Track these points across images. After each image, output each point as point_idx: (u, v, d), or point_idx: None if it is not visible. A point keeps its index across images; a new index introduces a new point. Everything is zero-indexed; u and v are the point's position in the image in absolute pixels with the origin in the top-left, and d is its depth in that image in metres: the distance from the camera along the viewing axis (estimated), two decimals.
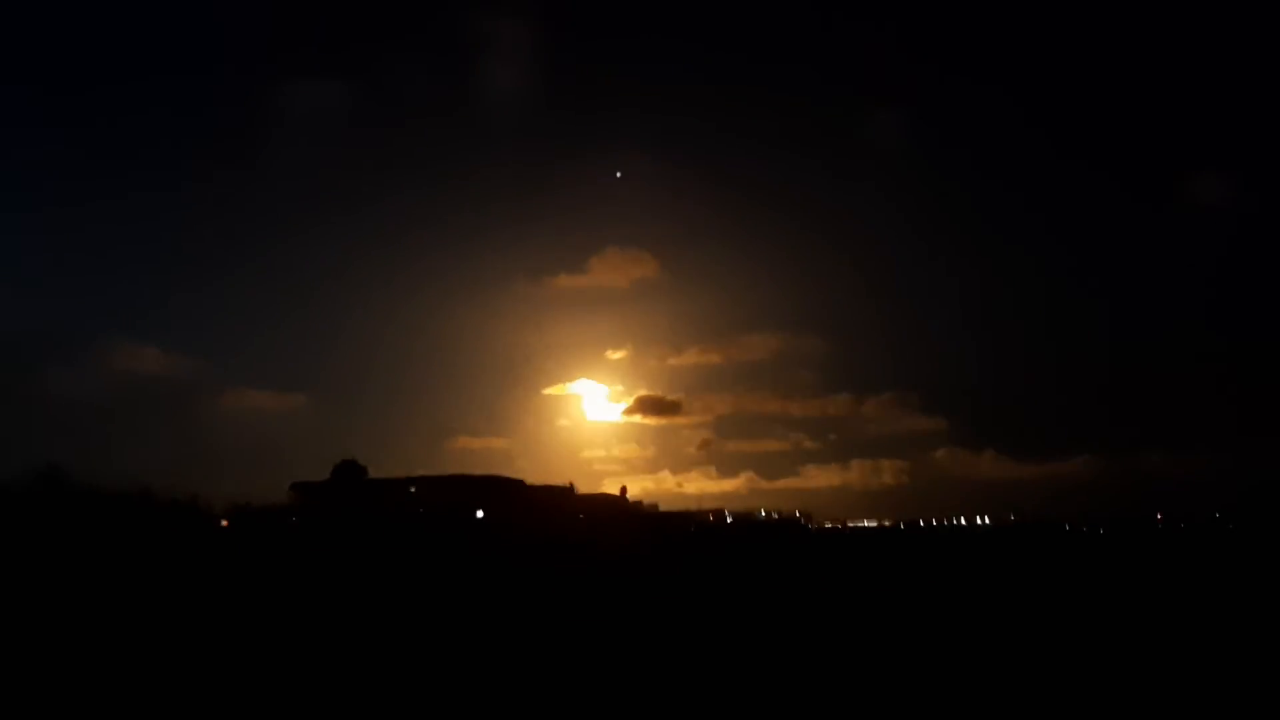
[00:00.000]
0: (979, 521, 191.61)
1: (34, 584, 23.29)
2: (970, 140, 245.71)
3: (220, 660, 14.56)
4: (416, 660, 15.00)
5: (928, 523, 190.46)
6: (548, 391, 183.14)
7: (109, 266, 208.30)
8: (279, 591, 29.60)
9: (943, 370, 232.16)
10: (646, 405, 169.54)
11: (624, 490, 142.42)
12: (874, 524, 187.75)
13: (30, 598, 21.50)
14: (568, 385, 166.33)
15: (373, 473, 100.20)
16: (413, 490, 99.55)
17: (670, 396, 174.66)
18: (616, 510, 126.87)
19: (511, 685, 13.42)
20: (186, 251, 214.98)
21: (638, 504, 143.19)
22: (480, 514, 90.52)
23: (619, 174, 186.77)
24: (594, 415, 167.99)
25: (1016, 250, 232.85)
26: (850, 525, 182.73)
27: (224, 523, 69.57)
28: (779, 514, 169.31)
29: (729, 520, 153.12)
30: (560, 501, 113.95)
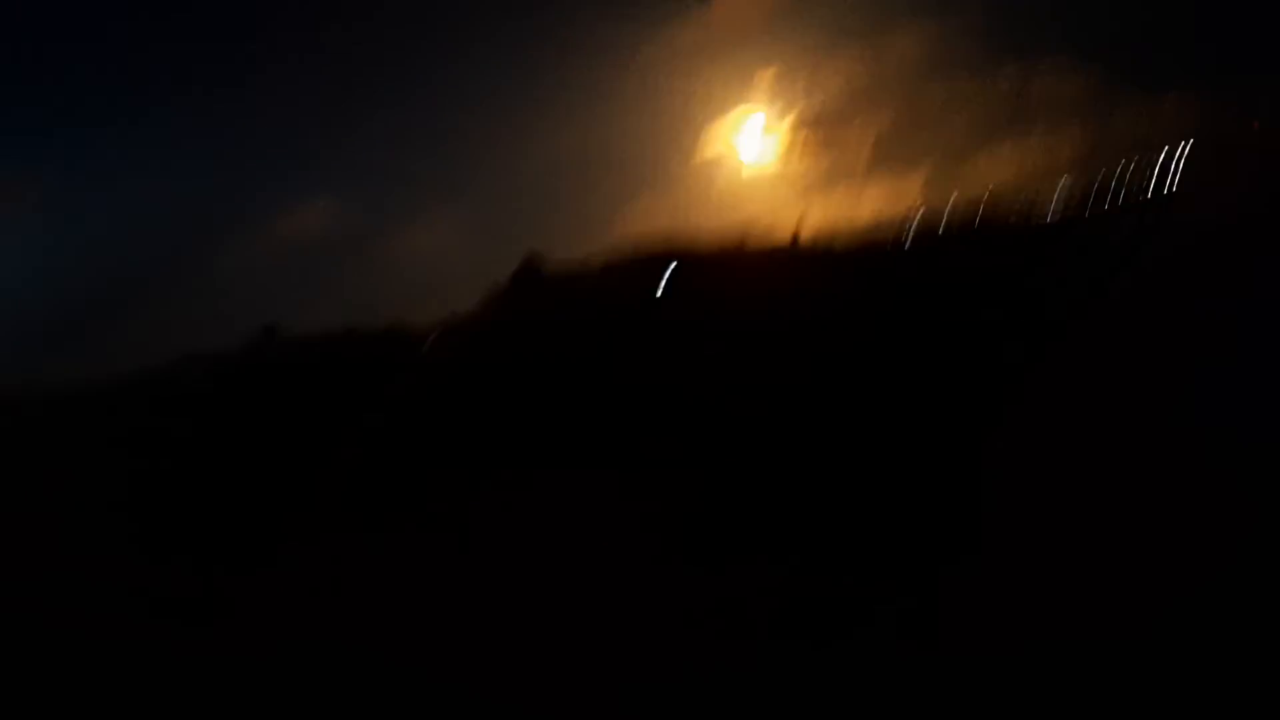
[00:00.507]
0: None
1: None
2: None
3: None
4: None
5: None
6: (701, 137, 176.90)
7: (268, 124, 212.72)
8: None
9: None
10: (808, 121, 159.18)
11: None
12: None
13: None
14: (719, 123, 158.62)
15: (552, 269, 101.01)
16: (597, 270, 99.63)
17: (831, 105, 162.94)
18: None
19: None
20: (339, 100, 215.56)
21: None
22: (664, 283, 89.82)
23: None
24: (754, 147, 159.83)
25: None
26: None
27: (428, 348, 72.58)
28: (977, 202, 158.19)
29: None
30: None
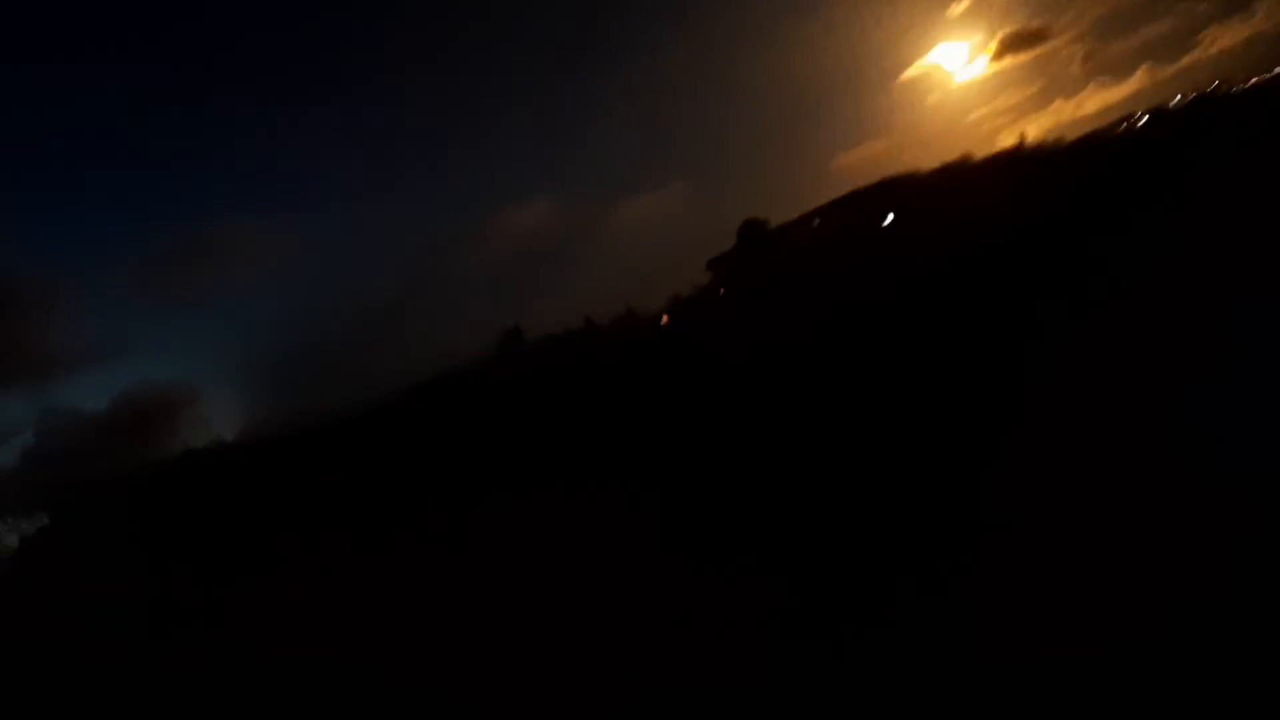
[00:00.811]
0: None
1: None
2: None
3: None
4: None
5: None
6: (906, 76, 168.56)
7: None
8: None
9: None
10: (1012, 44, 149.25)
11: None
12: None
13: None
14: (923, 61, 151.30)
15: (773, 222, 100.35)
16: (816, 223, 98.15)
17: (1033, 24, 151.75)
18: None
19: None
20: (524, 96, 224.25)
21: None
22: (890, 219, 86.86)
23: None
24: (961, 78, 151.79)
25: None
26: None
27: (664, 320, 74.15)
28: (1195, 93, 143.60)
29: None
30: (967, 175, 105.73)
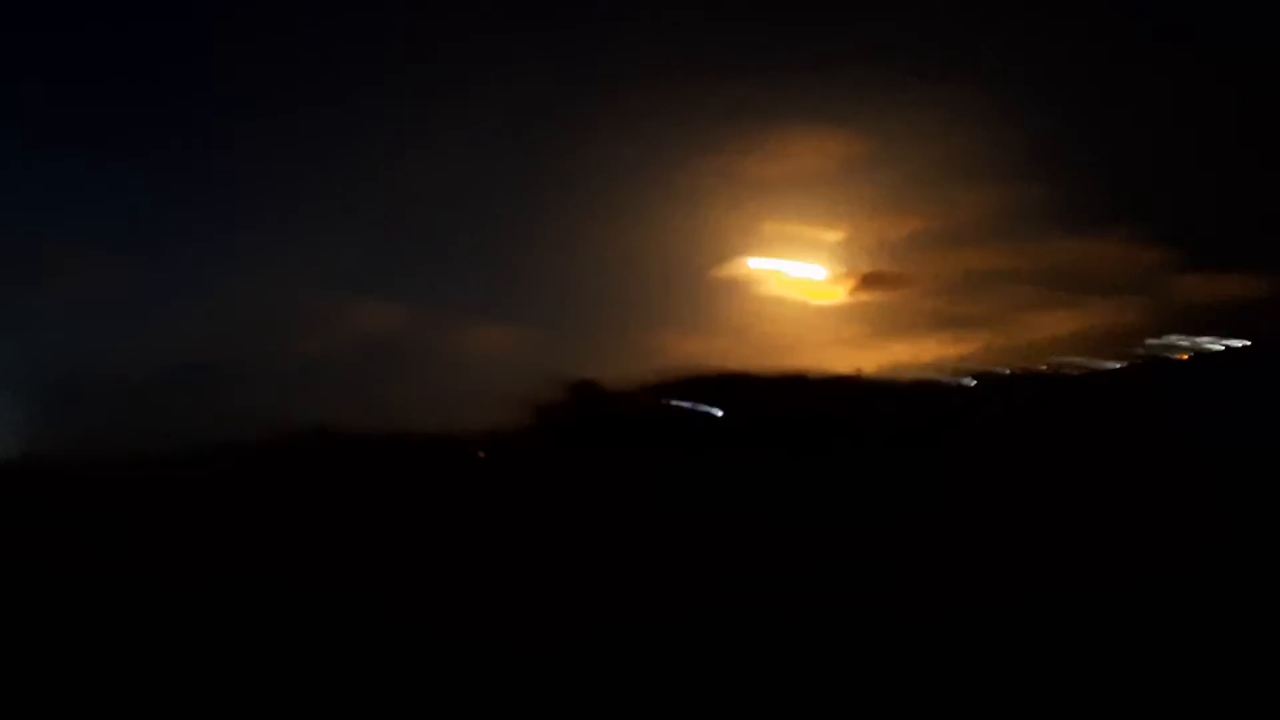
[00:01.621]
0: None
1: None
2: None
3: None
4: None
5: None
6: (757, 280, 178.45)
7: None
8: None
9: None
10: (872, 281, 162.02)
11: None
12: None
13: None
14: (782, 272, 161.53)
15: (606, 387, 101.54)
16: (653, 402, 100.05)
17: (893, 269, 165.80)
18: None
19: None
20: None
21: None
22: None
23: None
24: (811, 297, 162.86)
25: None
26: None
27: (480, 454, 72.50)
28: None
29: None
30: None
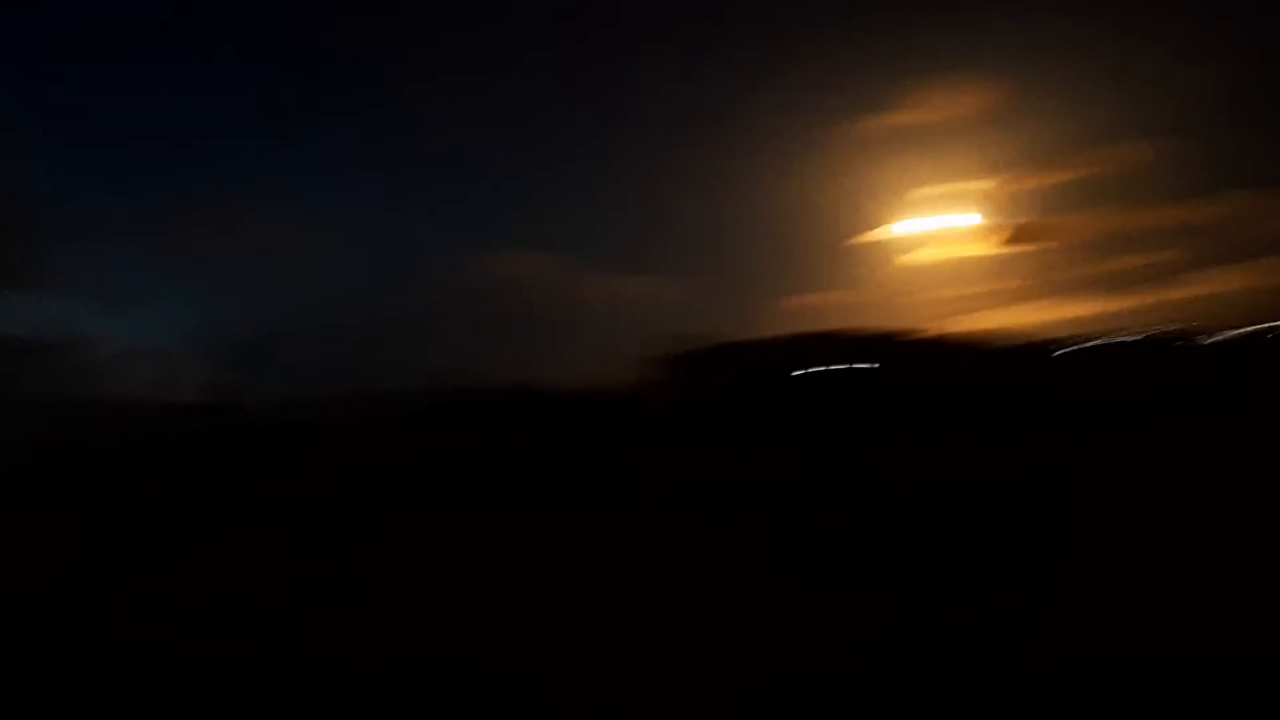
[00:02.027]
0: None
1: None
2: None
3: None
4: None
5: None
6: (894, 235, 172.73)
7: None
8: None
9: None
10: (1017, 234, 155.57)
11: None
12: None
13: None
14: (923, 224, 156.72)
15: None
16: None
17: (1041, 220, 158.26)
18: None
19: None
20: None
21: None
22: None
23: None
24: (961, 252, 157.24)
25: None
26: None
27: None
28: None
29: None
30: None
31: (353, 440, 31.47)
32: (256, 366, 39.46)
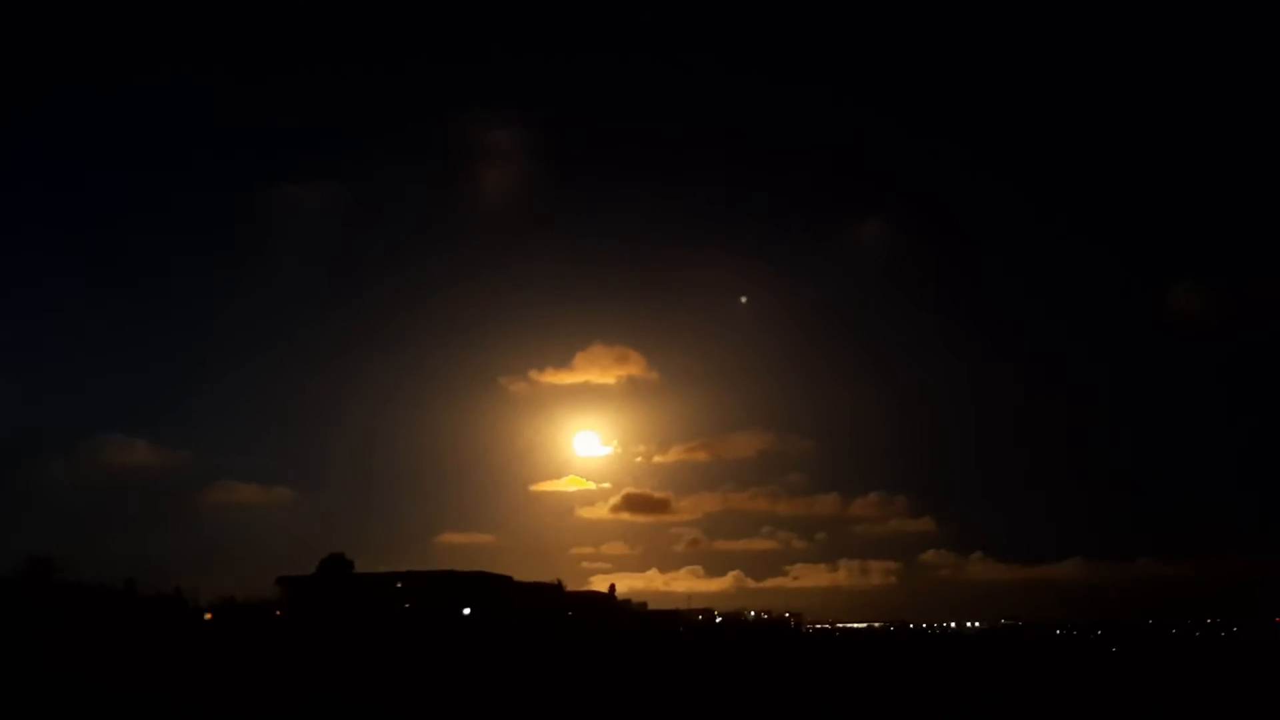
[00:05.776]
0: (969, 625, 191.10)
1: (17, 675, 23.27)
2: (958, 244, 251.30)
3: None
4: None
5: (918, 625, 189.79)
6: (535, 488, 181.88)
7: (101, 367, 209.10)
8: (264, 687, 29.28)
9: (930, 473, 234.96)
10: (634, 503, 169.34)
11: (612, 589, 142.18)
12: (863, 625, 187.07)
13: (13, 689, 21.53)
14: (555, 482, 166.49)
15: (359, 568, 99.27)
16: (399, 586, 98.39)
17: (658, 494, 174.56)
18: (605, 609, 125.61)
19: None
20: (176, 350, 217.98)
21: (626, 602, 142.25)
22: (467, 611, 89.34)
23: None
24: (581, 512, 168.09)
25: (1001, 355, 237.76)
26: (840, 626, 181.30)
27: (208, 616, 68.69)
28: (768, 614, 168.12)
29: (718, 620, 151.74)
30: (548, 599, 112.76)
31: None
32: None
